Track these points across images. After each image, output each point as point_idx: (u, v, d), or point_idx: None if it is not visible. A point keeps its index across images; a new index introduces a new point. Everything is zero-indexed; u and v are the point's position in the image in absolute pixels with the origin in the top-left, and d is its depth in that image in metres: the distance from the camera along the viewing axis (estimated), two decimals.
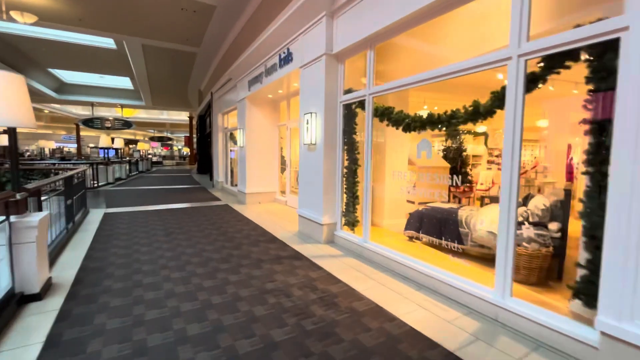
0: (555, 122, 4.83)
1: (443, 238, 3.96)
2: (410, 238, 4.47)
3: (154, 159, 31.56)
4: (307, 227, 5.19)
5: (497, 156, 6.91)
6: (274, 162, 8.62)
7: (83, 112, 31.37)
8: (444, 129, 3.52)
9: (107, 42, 14.48)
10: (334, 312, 2.75)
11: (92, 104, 23.65)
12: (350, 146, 4.69)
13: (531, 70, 2.44)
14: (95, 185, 11.30)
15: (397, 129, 3.81)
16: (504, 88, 2.59)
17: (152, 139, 37.82)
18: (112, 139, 15.29)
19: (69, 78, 21.81)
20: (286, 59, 5.75)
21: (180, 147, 48.02)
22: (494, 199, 4.52)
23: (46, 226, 3.18)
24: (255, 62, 7.09)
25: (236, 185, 10.80)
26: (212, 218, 6.63)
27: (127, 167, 16.05)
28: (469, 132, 6.57)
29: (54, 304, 2.83)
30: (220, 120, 11.23)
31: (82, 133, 29.54)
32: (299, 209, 5.44)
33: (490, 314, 2.65)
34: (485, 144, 7.18)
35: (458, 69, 2.92)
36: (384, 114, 4.01)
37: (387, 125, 3.96)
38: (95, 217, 6.60)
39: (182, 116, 34.76)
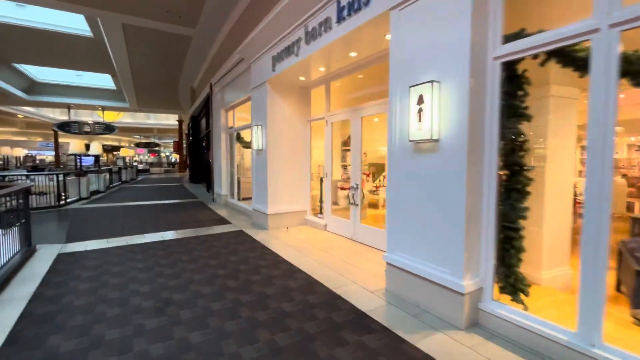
0: None
1: None
2: None
3: (140, 166, 28.57)
4: (417, 291, 2.87)
5: None
6: (304, 170, 6.28)
7: (62, 116, 28.16)
8: None
9: (82, 29, 11.91)
10: None
11: (68, 106, 20.74)
12: (514, 143, 2.44)
13: None
14: (63, 202, 8.67)
15: None
16: None
17: (138, 145, 34.78)
18: (87, 145, 12.60)
19: (40, 76, 18.89)
20: (354, 4, 3.47)
21: (168, 153, 44.88)
22: None
23: None
24: (286, 26, 4.78)
25: (244, 200, 8.38)
26: (227, 259, 4.23)
27: (107, 177, 13.36)
28: None
29: None
30: (223, 118, 8.82)
31: (61, 140, 26.34)
32: (391, 253, 3.12)
33: None
34: None
35: None
36: None
37: None
38: (40, 264, 4.09)
39: (171, 120, 31.94)
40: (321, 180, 6.43)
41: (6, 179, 8.12)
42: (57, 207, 8.33)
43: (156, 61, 12.98)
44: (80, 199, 9.94)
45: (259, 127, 6.01)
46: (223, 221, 6.72)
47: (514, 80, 2.40)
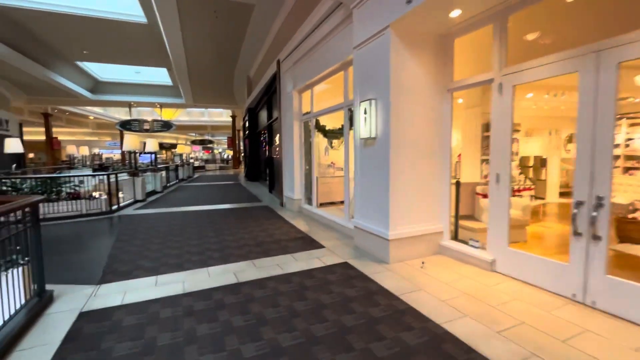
0: None
1: None
2: None
3: (196, 163, 28.46)
4: None
5: None
6: (440, 168, 3.97)
7: (127, 117, 29.03)
8: None
9: (136, 14, 10.76)
10: None
11: (129, 105, 20.63)
12: None
13: None
14: (115, 206, 7.36)
15: None
16: None
17: (193, 142, 35.07)
18: (144, 143, 11.56)
19: (103, 75, 18.82)
20: None
21: (221, 150, 45.25)
22: None
23: None
24: None
25: (323, 206, 6.32)
26: (355, 336, 2.08)
27: (164, 176, 12.29)
28: None
29: None
30: (296, 102, 6.80)
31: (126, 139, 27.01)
32: None
33: None
34: None
35: None
36: None
37: None
38: (50, 333, 2.32)
39: (224, 117, 31.47)
40: (458, 185, 4.07)
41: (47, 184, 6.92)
42: (108, 213, 7.01)
43: (212, 47, 11.49)
44: (136, 201, 8.70)
45: (371, 103, 3.80)
46: (309, 242, 4.67)
47: None
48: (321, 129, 6.24)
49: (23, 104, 18.71)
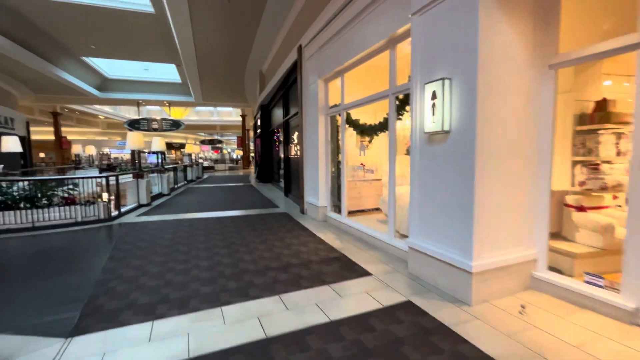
0: None
1: None
2: None
3: (205, 163, 27.75)
4: None
5: None
6: (538, 171, 2.91)
7: (136, 116, 28.52)
8: None
9: (142, 2, 9.94)
10: None
11: (137, 103, 19.92)
12: None
13: None
14: (116, 212, 6.48)
15: None
16: None
17: (202, 142, 34.44)
18: (151, 142, 10.72)
19: (111, 72, 18.15)
20: None
21: (230, 150, 44.57)
22: None
23: None
24: None
25: (350, 214, 5.33)
26: None
27: (172, 177, 11.44)
28: None
29: None
30: (322, 92, 5.80)
31: None
32: None
33: None
34: None
35: None
36: None
37: None
38: None
39: (233, 117, 30.74)
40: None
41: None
42: (107, 221, 6.12)
43: (223, 39, 10.59)
44: (140, 205, 7.83)
45: (443, 83, 2.77)
46: (347, 265, 3.67)
47: None
48: (355, 123, 5.24)
49: (31, 103, 18.18)
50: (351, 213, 5.72)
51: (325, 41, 5.34)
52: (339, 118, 5.81)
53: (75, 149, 15.56)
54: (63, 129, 21.67)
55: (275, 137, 12.75)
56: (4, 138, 8.67)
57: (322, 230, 5.32)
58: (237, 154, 37.68)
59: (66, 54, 13.49)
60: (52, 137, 20.94)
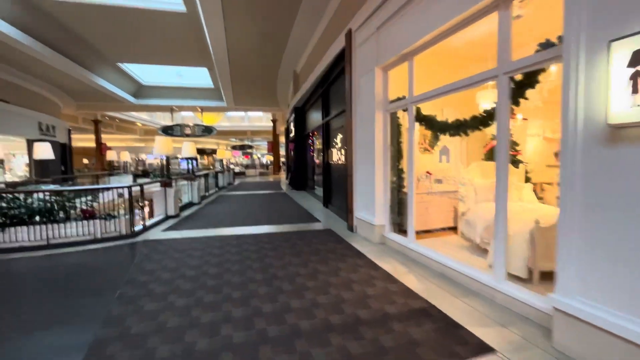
0: None
1: None
2: None
3: (236, 169, 27.51)
4: None
5: None
6: None
7: (170, 123, 29.05)
8: None
9: (173, 1, 9.42)
10: None
11: (171, 109, 19.92)
12: None
13: None
14: (139, 228, 5.71)
15: None
16: None
17: (233, 147, 34.52)
18: (181, 147, 10.11)
19: (146, 79, 18.25)
20: None
21: (260, 155, 44.51)
22: None
23: None
24: None
25: (421, 235, 4.08)
26: None
27: (203, 184, 10.78)
28: None
29: None
30: (379, 84, 4.64)
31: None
32: None
33: None
34: None
35: None
36: None
37: None
38: None
39: (263, 122, 30.44)
40: None
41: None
42: (129, 237, 5.34)
43: (256, 38, 9.83)
44: (167, 217, 7.08)
45: None
46: (446, 328, 2.44)
47: None
48: (430, 121, 4.02)
49: (74, 111, 18.68)
50: (420, 234, 4.47)
51: (387, 18, 4.19)
52: (400, 115, 4.63)
53: (110, 155, 15.53)
54: (104, 136, 22.27)
55: (309, 141, 11.76)
56: (37, 145, 8.36)
57: (383, 257, 4.13)
58: (268, 159, 37.40)
59: (102, 60, 13.46)
60: (93, 144, 21.56)
